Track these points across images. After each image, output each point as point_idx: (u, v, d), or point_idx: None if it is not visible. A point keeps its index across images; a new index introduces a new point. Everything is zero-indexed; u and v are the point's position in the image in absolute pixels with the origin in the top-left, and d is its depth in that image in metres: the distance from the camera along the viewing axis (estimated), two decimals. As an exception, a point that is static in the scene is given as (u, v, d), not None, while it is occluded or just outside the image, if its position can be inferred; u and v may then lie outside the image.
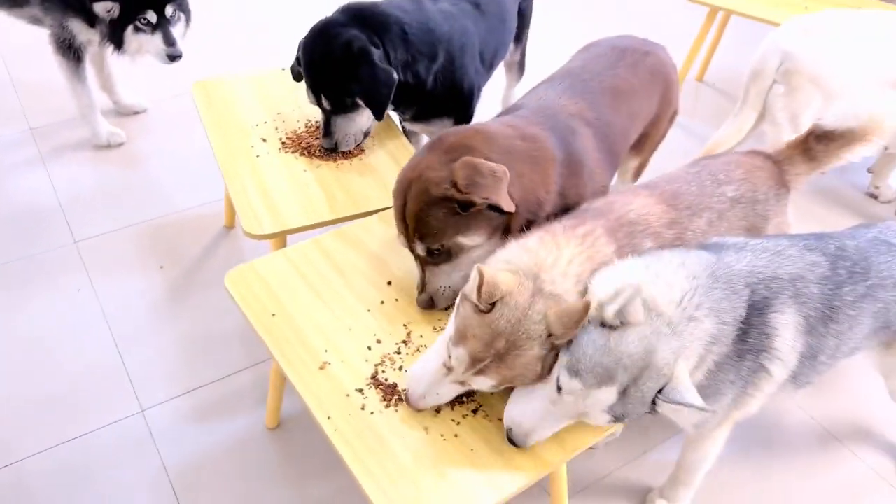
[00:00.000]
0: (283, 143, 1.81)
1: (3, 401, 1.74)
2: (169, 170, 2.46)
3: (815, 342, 1.37)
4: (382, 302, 1.40)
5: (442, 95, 1.90)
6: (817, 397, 1.88)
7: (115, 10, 2.20)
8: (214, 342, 1.90)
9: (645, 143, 1.90)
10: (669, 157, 2.15)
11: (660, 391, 1.10)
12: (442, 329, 1.35)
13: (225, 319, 1.95)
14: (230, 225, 2.24)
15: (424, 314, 1.39)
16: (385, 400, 1.22)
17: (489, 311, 1.15)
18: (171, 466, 1.64)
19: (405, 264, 1.46)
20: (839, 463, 1.78)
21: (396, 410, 1.21)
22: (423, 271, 1.40)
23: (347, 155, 1.82)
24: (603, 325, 1.10)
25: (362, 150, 1.83)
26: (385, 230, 1.54)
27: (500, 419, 1.20)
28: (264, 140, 1.81)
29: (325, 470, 1.65)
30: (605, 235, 1.31)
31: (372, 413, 1.20)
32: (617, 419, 1.13)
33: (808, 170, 1.64)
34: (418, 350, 1.32)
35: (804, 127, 2.13)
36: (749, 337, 1.27)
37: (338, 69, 1.70)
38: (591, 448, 1.69)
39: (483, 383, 1.18)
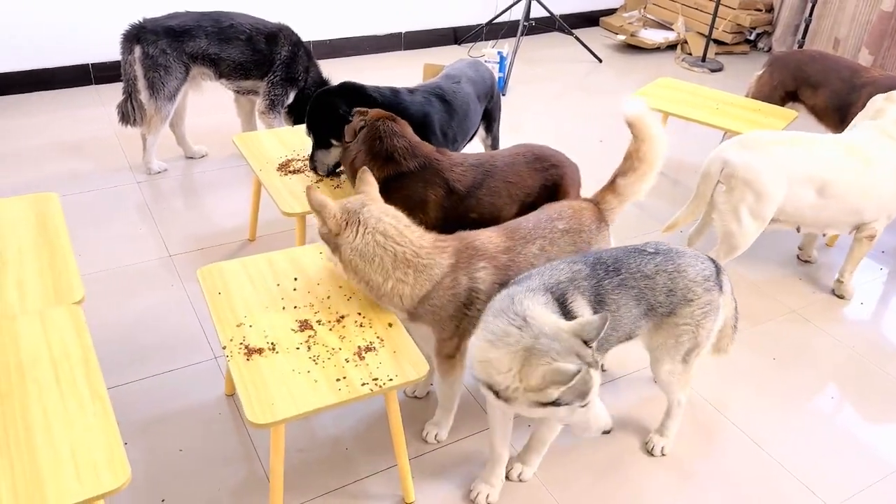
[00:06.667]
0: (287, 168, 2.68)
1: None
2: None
3: None
4: (296, 307, 1.96)
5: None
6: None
7: None
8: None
9: None
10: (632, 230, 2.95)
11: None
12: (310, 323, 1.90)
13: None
14: (252, 238, 3.08)
15: (318, 316, 1.94)
16: (268, 351, 1.80)
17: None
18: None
19: (323, 285, 2.04)
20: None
21: (271, 354, 1.80)
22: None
23: (335, 179, 2.65)
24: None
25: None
26: (313, 259, 2.14)
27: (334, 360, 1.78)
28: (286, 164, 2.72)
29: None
30: (452, 250, 1.95)
31: (260, 356, 1.79)
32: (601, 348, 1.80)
33: (618, 203, 2.16)
34: (308, 335, 1.87)
35: (743, 217, 2.64)
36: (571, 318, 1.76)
37: (320, 119, 2.54)
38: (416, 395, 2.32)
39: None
